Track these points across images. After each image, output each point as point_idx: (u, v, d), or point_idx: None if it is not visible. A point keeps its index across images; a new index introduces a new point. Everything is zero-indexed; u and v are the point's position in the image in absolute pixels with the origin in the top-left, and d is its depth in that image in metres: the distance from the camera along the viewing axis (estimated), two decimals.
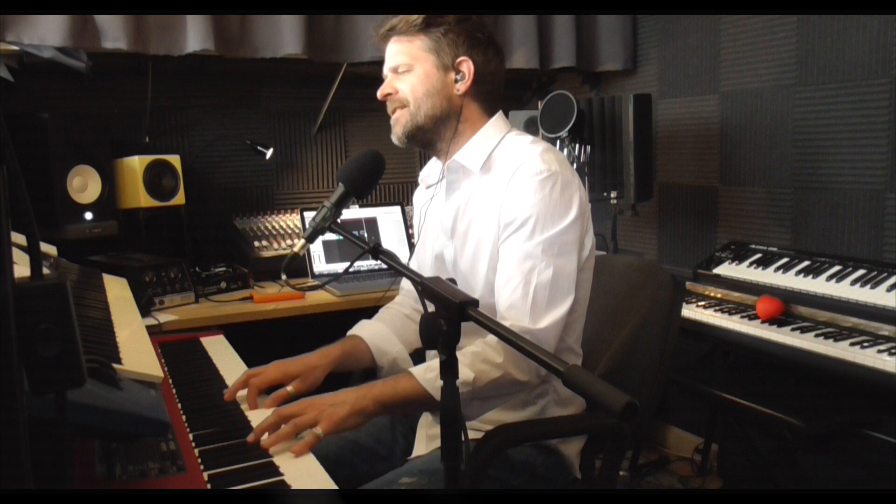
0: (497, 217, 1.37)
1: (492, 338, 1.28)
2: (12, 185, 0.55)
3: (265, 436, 1.12)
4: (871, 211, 2.26)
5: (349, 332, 1.56)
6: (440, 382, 0.98)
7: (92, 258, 2.32)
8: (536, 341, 1.24)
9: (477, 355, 1.25)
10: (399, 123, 1.44)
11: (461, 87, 1.41)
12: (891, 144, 2.20)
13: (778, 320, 2.10)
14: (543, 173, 1.33)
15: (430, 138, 1.46)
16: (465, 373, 1.21)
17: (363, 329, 1.55)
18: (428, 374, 1.23)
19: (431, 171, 1.58)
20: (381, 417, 1.52)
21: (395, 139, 1.46)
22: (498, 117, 1.47)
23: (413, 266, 1.62)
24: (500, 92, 1.48)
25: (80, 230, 2.30)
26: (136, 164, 2.42)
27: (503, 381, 1.26)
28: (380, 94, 1.45)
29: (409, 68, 1.41)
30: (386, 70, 1.46)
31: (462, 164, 1.44)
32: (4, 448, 0.52)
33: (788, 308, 2.15)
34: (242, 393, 1.34)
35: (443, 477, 0.99)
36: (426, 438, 1.47)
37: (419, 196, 1.66)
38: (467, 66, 1.40)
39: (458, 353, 1.01)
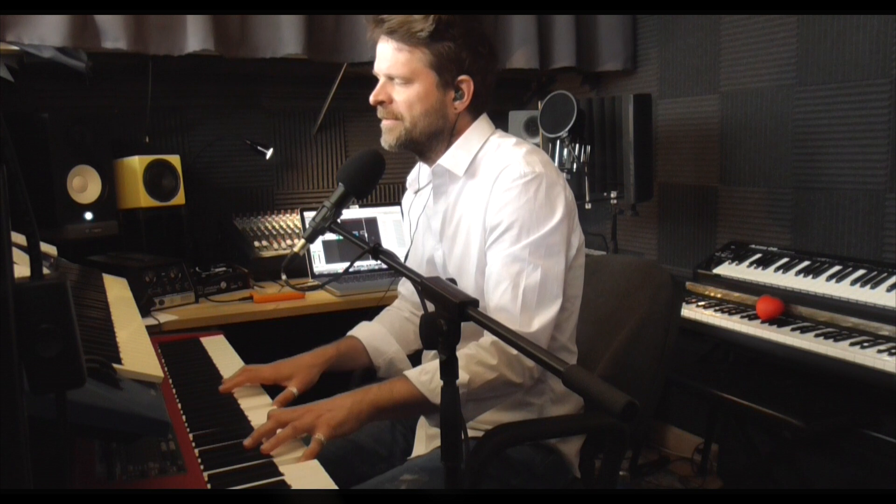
0: (483, 220, 1.36)
1: (485, 340, 1.28)
2: (12, 185, 0.55)
3: (264, 440, 1.11)
4: (871, 211, 2.26)
5: (348, 334, 1.57)
6: (435, 384, 0.98)
7: (92, 258, 2.33)
8: None
9: (471, 357, 1.25)
10: (392, 134, 1.40)
11: (459, 105, 1.39)
12: (891, 144, 2.20)
13: (778, 320, 2.10)
14: (528, 176, 1.32)
15: (422, 149, 1.45)
16: (461, 375, 1.20)
17: (361, 330, 1.57)
18: (422, 376, 1.23)
19: (417, 175, 1.57)
20: None
21: (385, 146, 1.43)
22: (481, 119, 1.45)
23: None
24: (491, 98, 1.45)
25: (80, 230, 2.30)
26: (136, 164, 2.42)
27: (497, 383, 1.26)
28: (372, 99, 1.40)
29: (408, 82, 1.36)
30: (379, 71, 1.40)
31: (447, 169, 1.43)
32: (4, 448, 0.52)
33: (788, 308, 2.15)
34: (242, 391, 1.35)
35: (443, 475, 0.99)
36: (426, 438, 1.47)
37: (407, 200, 1.65)
38: (467, 87, 1.38)
39: None
